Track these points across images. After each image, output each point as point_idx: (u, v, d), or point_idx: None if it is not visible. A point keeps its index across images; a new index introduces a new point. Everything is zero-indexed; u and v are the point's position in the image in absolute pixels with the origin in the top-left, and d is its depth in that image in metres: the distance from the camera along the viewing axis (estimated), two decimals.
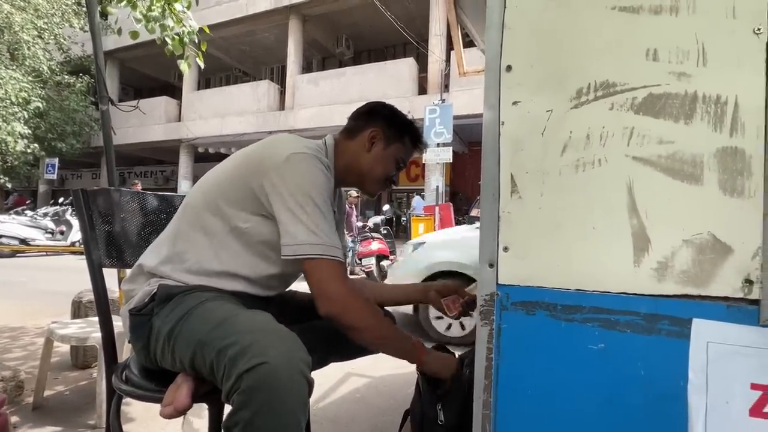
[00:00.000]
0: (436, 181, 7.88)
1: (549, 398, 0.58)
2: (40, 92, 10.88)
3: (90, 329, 1.78)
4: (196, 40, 2.78)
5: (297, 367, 0.62)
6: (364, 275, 5.33)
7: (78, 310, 2.34)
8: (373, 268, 5.18)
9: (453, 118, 6.94)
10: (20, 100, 10.08)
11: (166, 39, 2.64)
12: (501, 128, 0.62)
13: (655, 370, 0.53)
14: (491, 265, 0.61)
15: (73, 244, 7.80)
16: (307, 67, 12.31)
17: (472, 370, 0.95)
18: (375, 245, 5.28)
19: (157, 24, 2.56)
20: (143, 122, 11.84)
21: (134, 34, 2.55)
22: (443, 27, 8.81)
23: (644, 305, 0.54)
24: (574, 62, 0.59)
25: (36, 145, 10.85)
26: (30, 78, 10.62)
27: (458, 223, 9.32)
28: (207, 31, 2.90)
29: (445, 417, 0.81)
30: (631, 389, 0.54)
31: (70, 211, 8.55)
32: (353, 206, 5.47)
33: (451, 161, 7.15)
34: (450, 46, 8.66)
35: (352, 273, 5.40)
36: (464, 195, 11.78)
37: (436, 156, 7.02)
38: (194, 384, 0.74)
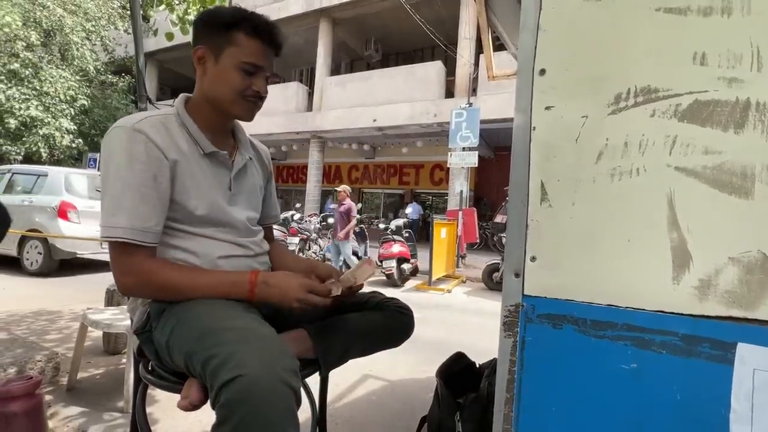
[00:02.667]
0: (460, 186, 7.77)
1: (574, 417, 0.55)
2: (86, 91, 11.55)
3: (122, 317, 1.86)
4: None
5: (278, 377, 0.58)
6: (385, 278, 5.32)
7: (111, 298, 2.46)
8: (394, 270, 5.17)
9: (480, 123, 6.84)
10: (68, 98, 10.76)
11: None
12: (532, 133, 0.60)
13: (693, 396, 0.50)
14: (517, 275, 0.59)
15: None
16: (335, 70, 12.47)
17: (491, 382, 0.92)
18: (396, 248, 5.26)
19: (191, 26, 2.66)
20: None
21: (169, 36, 2.66)
22: (473, 30, 8.71)
23: (683, 325, 0.50)
24: (613, 66, 0.56)
25: (80, 140, 11.53)
26: (77, 77, 11.30)
27: (481, 228, 9.17)
28: None
29: (464, 428, 0.79)
30: (665, 414, 0.51)
31: None
32: (342, 203, 5.23)
33: (476, 166, 7.04)
34: (479, 50, 8.55)
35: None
36: (489, 201, 11.57)
37: (462, 160, 6.93)
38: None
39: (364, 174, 13.80)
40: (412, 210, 10.82)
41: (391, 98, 9.42)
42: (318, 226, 6.93)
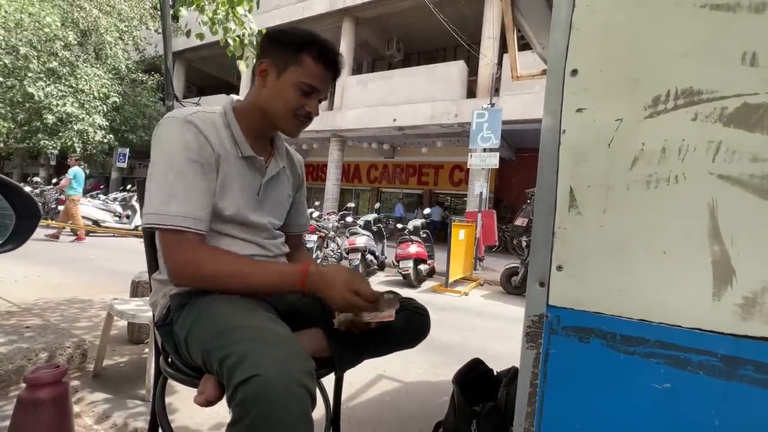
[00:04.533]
0: (480, 187, 7.66)
1: None
2: (117, 88, 12.04)
3: (146, 308, 1.92)
4: (255, 42, 2.92)
5: (294, 378, 0.58)
6: (401, 278, 5.30)
7: (136, 289, 2.54)
8: (411, 271, 5.14)
9: (502, 123, 6.72)
10: (101, 95, 11.23)
11: (228, 40, 2.79)
12: (562, 137, 0.57)
13: (733, 421, 0.46)
14: (542, 284, 0.57)
15: (136, 228, 8.52)
16: (357, 69, 12.53)
17: (510, 391, 0.89)
18: (413, 248, 5.23)
19: (221, 26, 2.72)
20: None
21: (200, 36, 2.73)
22: (497, 29, 8.57)
23: (723, 345, 0.47)
24: (652, 67, 0.53)
25: (111, 135, 12.02)
26: (110, 75, 11.79)
27: (500, 231, 9.02)
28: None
29: None
30: None
31: (135, 197, 9.36)
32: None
33: (497, 167, 6.92)
34: (503, 50, 8.41)
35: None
36: (509, 203, 11.37)
37: (482, 161, 6.82)
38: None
39: (383, 173, 13.81)
40: (432, 212, 10.76)
41: (411, 98, 9.38)
42: (336, 224, 6.98)
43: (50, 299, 3.19)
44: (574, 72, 0.57)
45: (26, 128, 11.34)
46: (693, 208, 0.49)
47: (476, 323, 3.65)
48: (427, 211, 7.23)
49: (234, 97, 0.92)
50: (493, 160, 6.72)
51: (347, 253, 5.53)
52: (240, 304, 0.76)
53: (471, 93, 9.20)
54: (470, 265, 6.26)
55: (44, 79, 10.38)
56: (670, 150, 0.51)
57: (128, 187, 12.09)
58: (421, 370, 2.29)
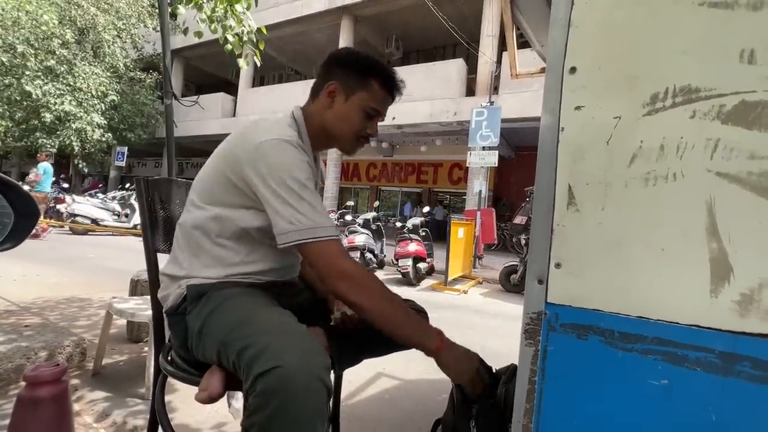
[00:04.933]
0: (479, 186, 7.66)
1: None
2: (116, 87, 12.00)
3: (144, 306, 1.92)
4: (254, 40, 2.91)
5: (314, 373, 0.60)
6: (400, 276, 5.31)
7: (135, 288, 2.54)
8: (410, 269, 5.15)
9: (501, 122, 6.72)
10: (99, 94, 11.20)
11: (228, 38, 2.79)
12: (560, 134, 0.57)
13: (730, 417, 0.47)
14: (540, 282, 0.57)
15: (134, 226, 8.51)
16: None
17: (509, 388, 0.90)
18: (412, 246, 5.24)
19: (220, 24, 2.71)
20: (202, 116, 12.64)
21: (199, 34, 2.72)
22: (496, 27, 8.56)
23: (721, 342, 0.47)
24: (650, 64, 0.53)
25: (109, 134, 11.99)
26: (108, 74, 11.75)
27: (499, 229, 9.02)
28: (264, 31, 3.03)
29: None
30: None
31: (134, 196, 9.34)
32: None
33: (496, 165, 6.92)
34: (502, 48, 8.40)
35: None
36: (508, 201, 11.38)
37: (481, 160, 6.83)
38: (226, 373, 0.76)
39: (382, 172, 13.81)
40: (436, 211, 10.74)
41: (411, 96, 9.37)
42: (336, 223, 6.98)
43: (49, 298, 3.18)
44: (573, 70, 0.57)
45: (24, 127, 11.29)
46: (691, 206, 0.50)
47: (475, 321, 3.66)
48: (426, 209, 7.23)
49: (300, 116, 0.92)
50: (492, 159, 6.73)
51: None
52: (257, 299, 0.78)
53: (470, 91, 9.19)
54: (469, 264, 6.27)
55: (42, 77, 10.34)
56: (668, 147, 0.51)
57: (127, 185, 12.07)
58: (421, 368, 2.29)
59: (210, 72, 16.19)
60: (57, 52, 10.44)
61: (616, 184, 0.54)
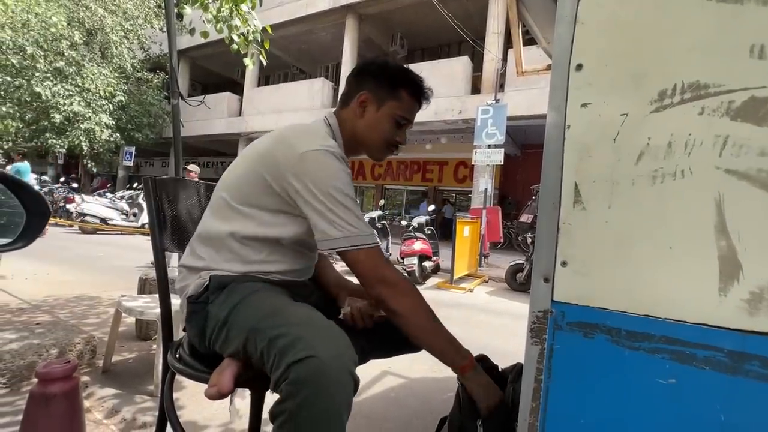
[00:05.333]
0: (484, 184, 7.63)
1: (604, 431, 0.53)
2: (123, 87, 12.11)
3: (153, 305, 1.94)
4: (260, 39, 2.92)
5: (345, 366, 0.62)
6: (406, 274, 5.31)
7: (144, 286, 2.57)
8: (415, 267, 5.15)
9: (507, 119, 6.67)
10: (107, 94, 11.31)
11: (233, 38, 2.80)
12: (566, 132, 0.57)
13: (739, 416, 0.46)
14: (546, 280, 0.57)
15: (143, 225, 8.60)
16: None
17: (515, 387, 0.90)
18: (418, 245, 5.23)
19: (225, 24, 2.73)
20: (208, 116, 12.72)
21: (205, 34, 2.74)
22: (501, 24, 8.50)
23: (729, 341, 0.47)
24: (658, 61, 0.53)
25: (117, 134, 12.11)
26: (116, 74, 11.86)
27: (505, 228, 8.97)
28: (269, 30, 3.04)
29: None
30: None
31: (142, 195, 9.43)
32: None
33: (502, 164, 6.89)
34: (507, 45, 8.34)
35: None
36: (514, 199, 11.32)
37: (487, 158, 6.79)
38: (237, 369, 0.77)
39: (387, 170, 13.80)
40: (445, 209, 10.68)
41: None
42: None
43: (59, 296, 3.23)
44: (579, 67, 0.57)
45: (34, 128, 11.45)
46: (699, 203, 0.49)
47: (481, 320, 3.65)
48: (431, 207, 7.22)
49: (336, 125, 0.94)
50: (498, 157, 6.69)
51: None
52: (282, 294, 0.81)
53: (475, 89, 9.14)
54: (475, 262, 6.25)
55: (51, 78, 10.47)
56: (676, 145, 0.51)
57: (135, 185, 12.19)
58: (426, 366, 2.30)
59: (216, 72, 16.28)
60: (66, 54, 10.57)
61: (623, 182, 0.53)
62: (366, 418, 1.71)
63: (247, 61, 3.01)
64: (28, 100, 10.44)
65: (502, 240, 7.84)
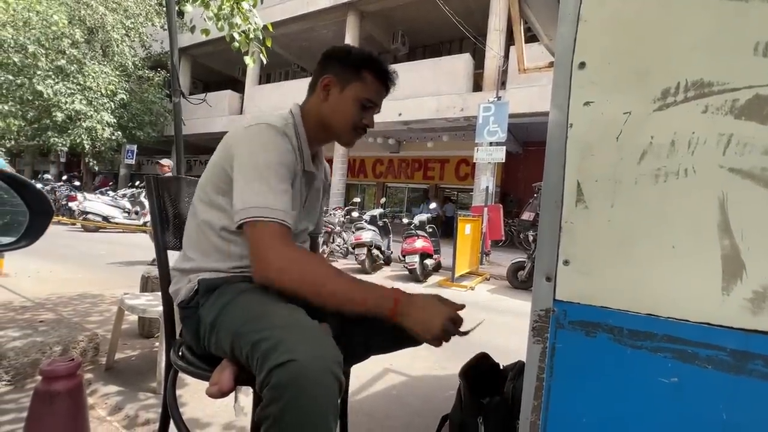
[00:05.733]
0: (486, 182, 7.62)
1: (606, 429, 0.53)
2: (124, 85, 12.12)
3: (155, 302, 1.95)
4: (261, 37, 2.92)
5: (326, 367, 0.61)
6: (407, 272, 5.32)
7: (146, 284, 2.58)
8: (417, 265, 5.15)
9: (508, 117, 6.65)
10: (108, 92, 11.33)
11: (234, 35, 2.80)
12: (569, 131, 0.57)
13: (741, 416, 0.46)
14: (548, 279, 0.57)
15: (144, 224, 8.63)
16: None
17: (516, 385, 0.90)
18: (419, 243, 5.23)
19: (226, 22, 2.72)
20: (209, 114, 12.72)
21: (206, 32, 2.74)
22: (503, 21, 8.46)
23: (732, 340, 0.46)
24: (661, 58, 0.52)
25: (119, 132, 12.14)
26: (117, 72, 11.87)
27: (507, 226, 8.96)
28: (270, 28, 3.03)
29: (486, 431, 0.77)
30: None
31: (143, 193, 9.45)
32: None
33: (503, 161, 6.87)
34: (509, 42, 8.30)
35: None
36: (515, 197, 11.30)
37: (488, 155, 6.78)
38: (237, 368, 0.77)
39: (388, 168, 13.79)
40: (446, 208, 10.66)
41: (416, 92, 9.32)
42: (342, 219, 7.00)
43: (62, 294, 3.25)
44: (582, 65, 0.56)
45: (36, 126, 11.48)
46: (703, 202, 0.49)
47: (482, 318, 3.65)
48: (432, 205, 7.21)
49: (298, 107, 0.95)
50: (500, 154, 6.68)
51: (353, 248, 5.55)
52: (270, 294, 0.78)
53: (477, 86, 9.11)
54: (476, 260, 6.25)
55: (53, 77, 10.48)
56: (679, 143, 0.51)
57: (137, 183, 12.22)
58: (427, 364, 2.30)
59: (217, 70, 16.27)
60: (67, 52, 10.58)
61: (626, 181, 0.53)
62: (368, 415, 1.72)
63: (248, 59, 3.00)
64: (30, 98, 10.46)
65: (503, 238, 7.83)
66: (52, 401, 1.02)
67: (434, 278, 5.56)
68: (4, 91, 9.96)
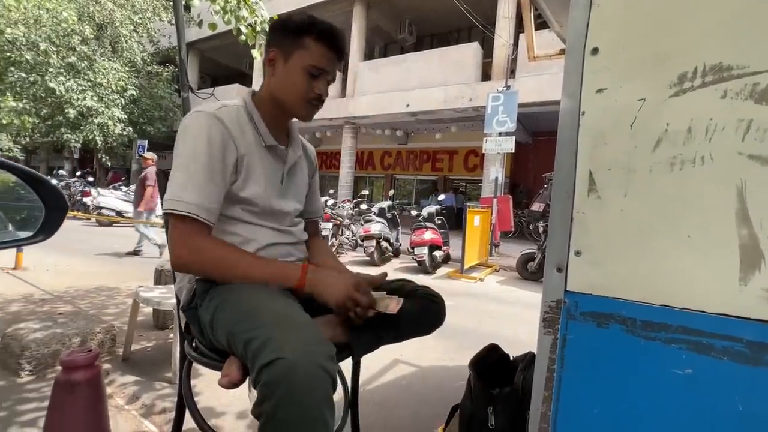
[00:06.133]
0: (495, 172, 7.53)
1: (618, 422, 0.52)
2: (134, 81, 12.23)
3: (169, 295, 1.99)
4: (267, 30, 2.90)
5: (315, 362, 0.61)
6: (416, 264, 5.32)
7: (160, 277, 2.63)
8: (426, 257, 5.15)
9: (518, 106, 6.54)
10: (119, 89, 11.45)
11: (241, 29, 2.79)
12: (581, 119, 0.55)
13: (758, 408, 0.46)
14: (559, 270, 0.56)
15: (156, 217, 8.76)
16: (369, 54, 12.34)
17: (527, 376, 0.90)
18: (428, 235, 5.23)
19: (233, 15, 2.72)
20: None
21: (213, 26, 2.73)
22: (512, 8, 8.27)
23: (750, 331, 0.45)
24: (678, 42, 0.51)
25: (130, 128, 12.28)
26: (126, 68, 11.97)
27: (516, 217, 8.88)
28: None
29: (496, 421, 0.77)
30: (723, 425, 0.47)
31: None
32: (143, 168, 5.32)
33: (513, 152, 6.78)
34: (519, 30, 8.12)
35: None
36: (525, 188, 11.17)
37: (497, 146, 6.69)
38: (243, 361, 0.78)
39: (396, 160, 13.73)
40: (455, 199, 10.62)
41: (424, 82, 9.21)
42: (351, 211, 7.01)
43: (80, 287, 3.33)
44: (595, 50, 0.55)
45: (50, 123, 11.68)
46: (720, 190, 0.48)
47: (491, 309, 3.65)
48: (441, 197, 7.18)
49: (251, 90, 0.95)
50: (509, 145, 6.59)
51: (362, 241, 5.57)
52: (262, 290, 0.79)
53: (486, 75, 8.97)
54: (486, 251, 6.22)
55: (64, 74, 10.62)
56: (696, 130, 0.49)
57: None
58: (437, 354, 2.31)
59: (225, 63, 16.29)
60: (77, 49, 10.69)
61: (640, 170, 0.52)
62: (378, 405, 1.74)
63: (255, 52, 3.00)
64: (43, 95, 10.63)
65: (513, 229, 7.77)
66: (73, 390, 1.06)
67: (443, 270, 5.56)
68: (18, 89, 10.13)
